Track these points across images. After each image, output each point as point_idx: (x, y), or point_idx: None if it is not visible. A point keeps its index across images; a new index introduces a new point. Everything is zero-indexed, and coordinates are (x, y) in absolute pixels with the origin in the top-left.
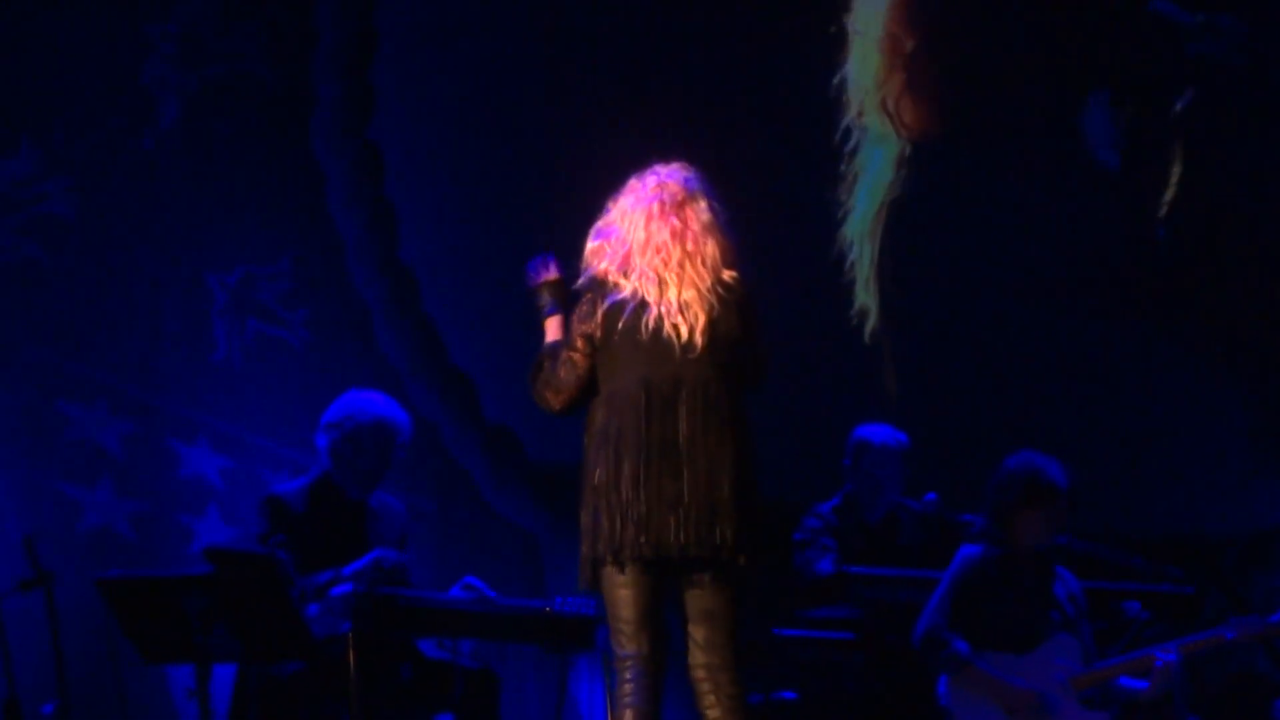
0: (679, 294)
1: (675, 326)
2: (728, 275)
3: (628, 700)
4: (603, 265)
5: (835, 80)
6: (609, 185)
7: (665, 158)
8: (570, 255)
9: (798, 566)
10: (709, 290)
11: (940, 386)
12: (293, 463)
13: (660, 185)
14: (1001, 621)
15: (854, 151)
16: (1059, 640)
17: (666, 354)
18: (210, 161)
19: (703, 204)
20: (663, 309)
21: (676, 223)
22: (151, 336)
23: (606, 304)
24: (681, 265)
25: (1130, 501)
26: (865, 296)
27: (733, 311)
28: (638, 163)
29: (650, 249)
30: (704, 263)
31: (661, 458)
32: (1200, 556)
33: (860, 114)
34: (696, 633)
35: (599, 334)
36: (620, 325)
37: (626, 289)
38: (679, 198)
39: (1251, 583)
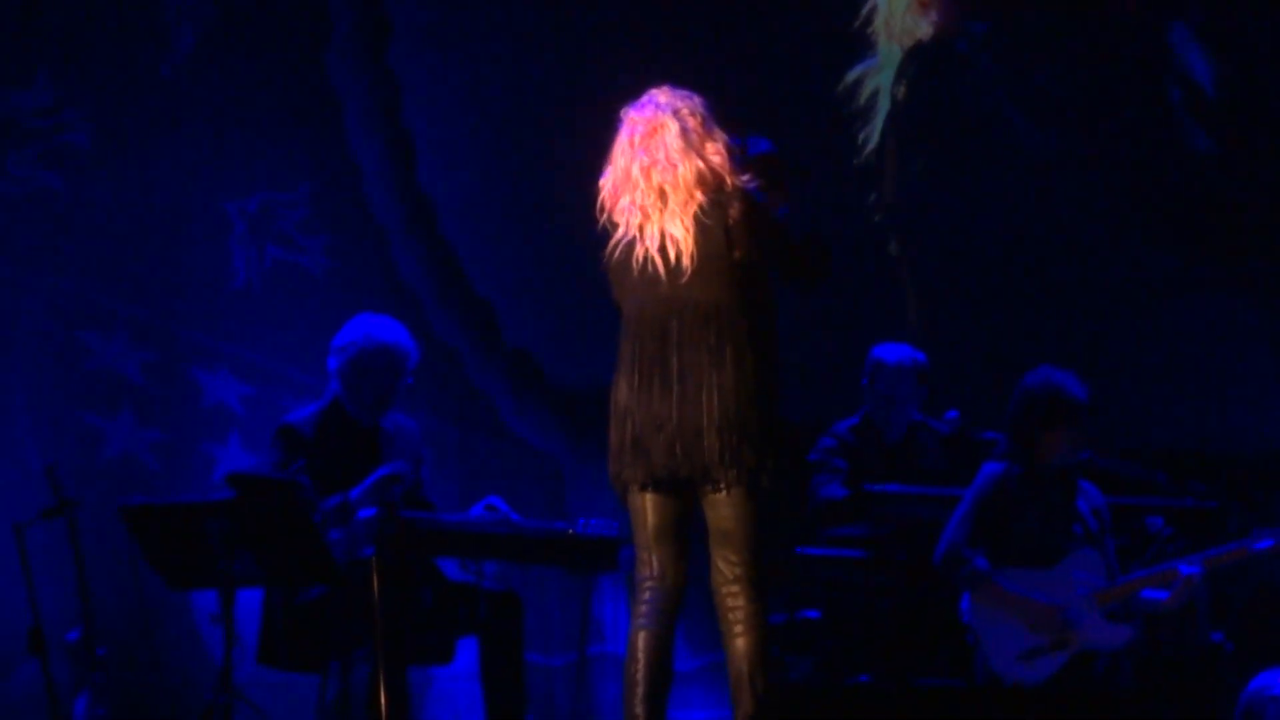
0: (661, 224)
1: (663, 256)
2: (704, 196)
3: (640, 622)
4: (603, 203)
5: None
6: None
7: (684, 84)
8: (590, 181)
9: (810, 494)
10: (691, 216)
11: (962, 303)
12: (314, 389)
13: (632, 120)
14: (1025, 537)
15: (876, 69)
16: (1082, 555)
17: (658, 282)
18: (227, 90)
19: (673, 129)
20: (649, 241)
21: (645, 157)
22: (171, 265)
23: (611, 241)
24: (661, 195)
25: (1153, 417)
26: (887, 214)
27: (719, 231)
28: (655, 82)
29: (628, 186)
30: (680, 189)
31: (654, 380)
32: (1223, 472)
33: (883, 26)
34: (715, 553)
35: (608, 268)
36: (617, 260)
37: (621, 226)
38: (648, 128)
39: (1274, 497)
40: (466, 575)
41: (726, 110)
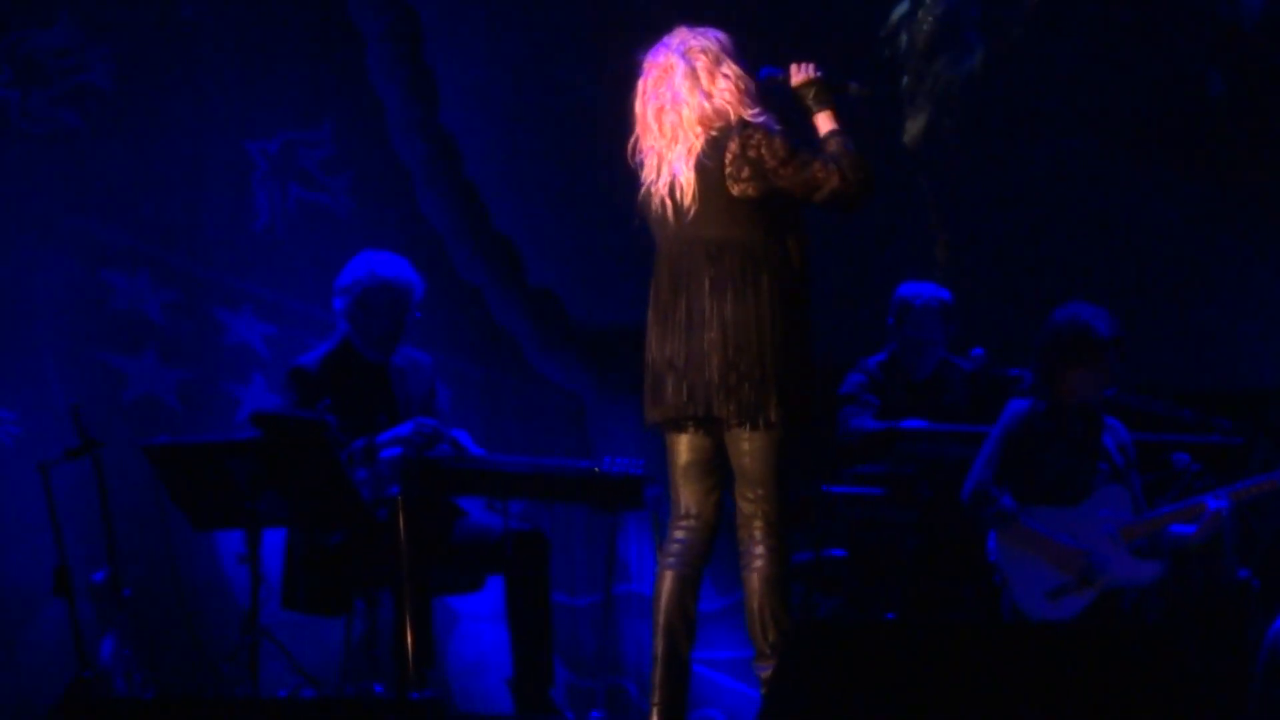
0: (670, 165)
1: (670, 196)
2: (706, 134)
3: (668, 561)
4: (631, 147)
5: None
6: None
7: (709, 19)
8: (614, 119)
9: (839, 423)
10: (694, 156)
11: (988, 239)
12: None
13: (648, 64)
14: (1051, 474)
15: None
16: (1108, 491)
17: (667, 223)
18: (249, 28)
19: (680, 68)
20: (661, 182)
21: (655, 100)
22: (193, 205)
23: (640, 184)
24: (673, 137)
25: (1179, 354)
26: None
27: (718, 170)
28: (682, 20)
29: (645, 130)
30: (685, 128)
31: (667, 319)
32: (1249, 408)
33: None
34: (736, 490)
35: (640, 210)
36: (642, 202)
37: (644, 169)
38: (660, 70)
39: None
40: (492, 515)
41: (768, 45)
